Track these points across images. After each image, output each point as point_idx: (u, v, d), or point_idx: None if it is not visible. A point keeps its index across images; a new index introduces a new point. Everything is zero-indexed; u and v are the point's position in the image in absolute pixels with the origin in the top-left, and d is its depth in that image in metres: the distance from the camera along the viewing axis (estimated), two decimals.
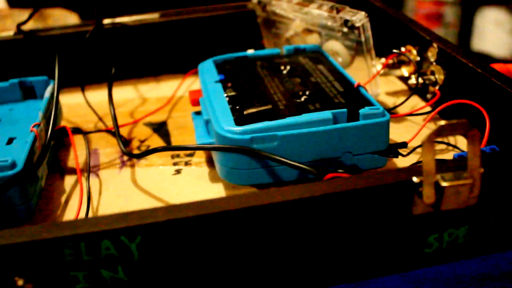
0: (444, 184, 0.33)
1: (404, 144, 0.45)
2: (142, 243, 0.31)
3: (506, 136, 0.45)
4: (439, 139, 0.49)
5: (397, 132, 0.52)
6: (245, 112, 0.44)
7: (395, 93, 0.61)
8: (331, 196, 0.33)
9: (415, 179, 0.33)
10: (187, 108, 0.58)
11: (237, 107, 0.45)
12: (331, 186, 0.33)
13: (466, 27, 1.85)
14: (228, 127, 0.42)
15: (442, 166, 0.34)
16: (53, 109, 0.48)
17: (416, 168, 0.34)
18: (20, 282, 0.32)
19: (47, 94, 0.51)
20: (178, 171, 0.48)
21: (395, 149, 0.45)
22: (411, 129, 0.52)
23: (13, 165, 0.40)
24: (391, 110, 0.53)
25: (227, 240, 0.33)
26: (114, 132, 0.49)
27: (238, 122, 0.42)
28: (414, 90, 0.53)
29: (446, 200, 0.34)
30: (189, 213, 0.31)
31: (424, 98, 0.57)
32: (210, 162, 0.49)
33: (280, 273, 0.35)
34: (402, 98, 0.58)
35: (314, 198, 0.32)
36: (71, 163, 0.50)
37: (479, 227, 0.37)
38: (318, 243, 0.35)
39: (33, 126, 0.45)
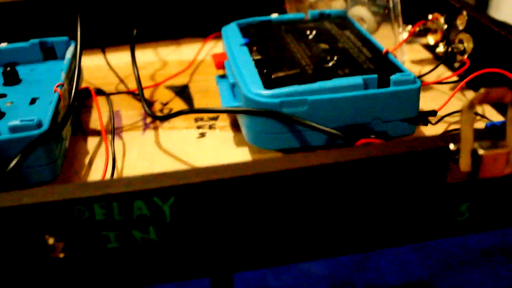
0: (481, 152, 0.32)
1: (433, 113, 0.45)
2: (175, 205, 0.31)
3: None
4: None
5: (424, 101, 0.51)
6: (273, 76, 0.43)
7: (420, 62, 0.60)
8: (367, 161, 0.32)
9: (452, 146, 0.33)
10: (209, 72, 0.58)
11: (265, 71, 0.44)
12: (366, 151, 0.32)
13: None
14: (257, 90, 0.41)
15: (479, 134, 0.34)
16: (76, 70, 0.47)
17: (453, 135, 0.34)
18: (51, 241, 0.32)
19: (68, 54, 0.51)
20: (202, 135, 0.47)
21: (425, 117, 0.44)
22: (438, 98, 0.51)
23: (39, 124, 0.39)
24: (418, 78, 0.52)
25: (260, 203, 0.32)
26: (138, 94, 0.49)
27: (266, 85, 0.42)
28: (444, 58, 0.52)
29: (483, 168, 0.33)
30: (223, 175, 0.31)
31: (451, 67, 0.56)
32: (234, 126, 0.48)
33: (310, 238, 0.35)
34: (427, 67, 0.57)
35: (350, 163, 0.32)
36: (93, 124, 0.49)
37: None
38: (352, 209, 0.34)
39: (57, 86, 0.45)
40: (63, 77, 0.46)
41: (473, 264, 1.34)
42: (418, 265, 1.31)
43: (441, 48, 0.55)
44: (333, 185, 0.33)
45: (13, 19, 0.61)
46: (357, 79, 0.41)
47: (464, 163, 0.33)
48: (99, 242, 0.32)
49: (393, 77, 0.42)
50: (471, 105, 0.32)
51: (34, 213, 0.30)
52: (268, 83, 0.42)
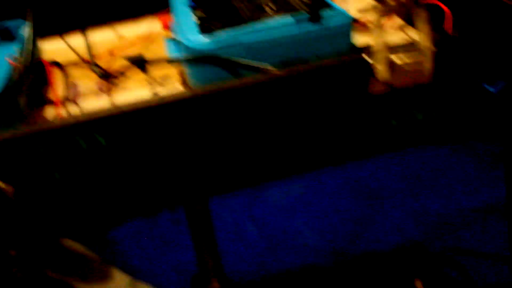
0: (396, 60, 0.34)
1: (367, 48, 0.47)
2: (109, 136, 0.33)
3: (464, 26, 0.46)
4: None
5: (363, 40, 0.53)
6: (212, 27, 0.45)
7: (366, 10, 0.61)
8: (290, 78, 0.34)
9: (367, 57, 0.35)
10: (163, 42, 0.60)
11: (205, 24, 0.46)
12: (287, 71, 0.35)
13: None
14: (195, 38, 0.43)
15: (394, 47, 0.36)
16: (30, 40, 0.49)
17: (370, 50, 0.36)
18: (1, 184, 0.34)
19: (23, 33, 0.53)
20: (155, 95, 0.50)
21: (359, 51, 0.46)
22: None
23: None
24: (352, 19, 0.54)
25: (190, 128, 0.34)
26: (89, 61, 0.51)
27: (205, 33, 0.44)
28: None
29: (399, 77, 0.35)
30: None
31: None
32: (185, 84, 0.50)
33: (238, 162, 0.37)
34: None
35: (276, 80, 0.34)
36: (52, 96, 0.52)
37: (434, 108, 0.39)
38: (290, 126, 0.36)
39: (11, 59, 0.47)
40: (17, 51, 0.49)
41: (465, 224, 1.36)
42: (411, 229, 1.33)
43: None
44: (270, 101, 0.35)
45: None
46: (289, 18, 0.43)
47: (381, 72, 0.35)
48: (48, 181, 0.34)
49: (324, 13, 0.44)
50: (379, 16, 0.34)
51: None
52: (207, 31, 0.44)
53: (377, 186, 1.46)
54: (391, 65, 0.34)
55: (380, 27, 0.33)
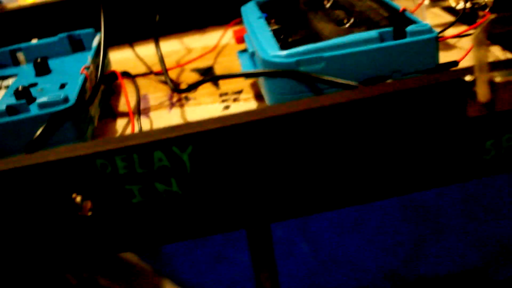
0: (498, 79, 0.32)
1: (454, 63, 0.44)
2: (193, 153, 0.32)
3: None
4: None
5: (446, 57, 0.50)
6: (289, 40, 0.44)
7: (443, 25, 0.59)
8: (381, 98, 0.32)
9: (467, 77, 0.33)
10: (233, 53, 0.58)
11: (282, 37, 0.45)
12: (381, 88, 0.32)
13: None
14: (273, 53, 0.42)
15: (495, 65, 0.33)
16: (101, 50, 0.48)
17: (468, 68, 0.33)
18: (78, 199, 0.33)
19: (95, 43, 0.53)
20: (226, 107, 0.48)
21: (445, 68, 0.44)
22: (460, 54, 0.51)
23: (65, 99, 0.41)
24: (438, 34, 0.52)
25: (276, 148, 0.33)
26: (162, 73, 0.50)
27: (283, 48, 0.42)
28: (461, 13, 0.52)
29: (502, 98, 0.32)
30: (237, 121, 0.31)
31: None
32: (258, 97, 0.49)
33: (332, 179, 0.35)
34: (452, 30, 0.56)
35: (364, 100, 0.32)
36: (122, 108, 0.51)
37: None
38: (374, 149, 0.34)
39: (84, 69, 0.46)
40: (90, 60, 0.48)
41: None
42: (473, 254, 1.28)
43: (461, 5, 0.54)
44: (354, 124, 0.33)
45: (45, 19, 0.63)
46: (372, 33, 0.41)
47: (482, 92, 0.32)
48: (124, 197, 0.33)
49: (408, 28, 0.41)
50: (482, 33, 0.31)
51: (59, 170, 0.31)
52: (285, 45, 0.43)
53: (436, 208, 1.42)
54: (493, 85, 0.31)
55: (481, 43, 0.30)
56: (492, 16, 0.31)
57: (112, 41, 0.63)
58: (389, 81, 0.38)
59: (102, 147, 0.31)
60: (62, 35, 0.55)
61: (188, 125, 0.32)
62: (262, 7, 0.53)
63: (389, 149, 0.34)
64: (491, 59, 0.33)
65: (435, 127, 0.34)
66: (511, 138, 0.35)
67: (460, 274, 1.22)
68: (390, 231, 1.34)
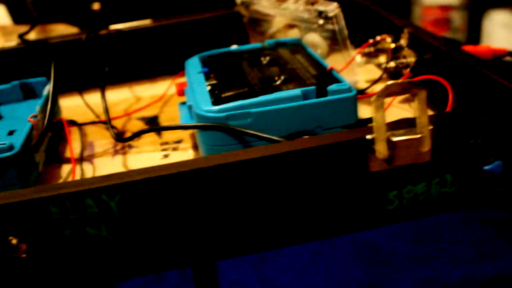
0: (395, 138, 0.36)
1: (371, 120, 0.49)
2: (121, 201, 0.35)
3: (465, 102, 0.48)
4: None
5: (369, 112, 0.55)
6: (222, 95, 0.48)
7: (374, 80, 0.64)
8: (291, 154, 0.36)
9: (368, 136, 0.37)
10: (177, 104, 0.62)
11: (216, 92, 0.49)
12: (291, 145, 0.36)
13: (474, 31, 1.86)
14: (206, 107, 0.45)
15: (393, 125, 0.38)
16: (49, 100, 0.52)
17: (369, 128, 0.37)
18: (14, 242, 0.35)
19: (45, 91, 0.56)
20: (166, 156, 0.52)
21: (364, 123, 0.48)
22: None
23: (10, 147, 0.44)
24: (364, 91, 0.56)
25: (199, 197, 0.36)
26: (106, 122, 0.53)
27: (215, 103, 0.46)
28: (384, 71, 0.57)
29: (399, 155, 0.37)
30: (162, 172, 0.35)
31: None
32: (196, 148, 0.52)
33: (245, 230, 0.38)
34: (380, 84, 0.61)
35: (275, 156, 0.36)
36: (68, 154, 0.54)
37: (436, 184, 0.40)
38: (279, 202, 0.38)
39: (31, 117, 0.49)
40: (38, 109, 0.51)
41: None
42: None
43: (390, 65, 0.59)
44: (262, 177, 0.36)
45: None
46: (296, 91, 0.46)
47: (379, 150, 0.37)
48: (58, 241, 0.36)
49: (329, 87, 0.46)
50: (379, 96, 0.36)
51: None
52: (217, 101, 0.46)
53: (389, 251, 1.45)
54: (390, 143, 0.36)
55: (379, 107, 0.35)
56: (389, 82, 0.35)
57: (64, 88, 0.66)
58: (305, 137, 0.42)
59: (36, 194, 0.34)
60: (15, 82, 0.58)
61: (116, 175, 0.35)
62: (204, 62, 0.57)
63: (305, 196, 0.38)
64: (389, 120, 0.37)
65: (342, 179, 0.38)
66: (411, 190, 0.40)
67: None
68: (344, 274, 1.36)
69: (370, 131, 0.37)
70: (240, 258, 1.41)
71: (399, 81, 0.36)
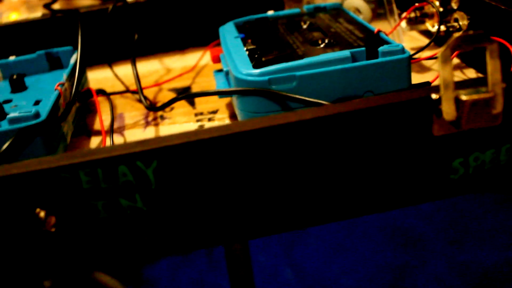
0: (464, 98, 0.32)
1: (427, 84, 0.45)
2: (158, 168, 0.31)
3: None
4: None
5: (421, 79, 0.51)
6: (263, 59, 0.44)
7: (420, 48, 0.59)
8: (346, 115, 0.32)
9: (433, 95, 0.33)
10: (210, 74, 0.59)
11: (256, 55, 0.45)
12: (345, 106, 0.32)
13: None
14: (246, 71, 0.42)
15: (461, 83, 0.33)
16: (77, 67, 0.48)
17: (435, 87, 0.33)
18: (42, 214, 0.32)
19: (72, 60, 0.53)
20: (201, 127, 0.48)
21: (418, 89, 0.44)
22: (434, 76, 0.51)
23: (36, 115, 0.41)
24: (412, 57, 0.52)
25: (243, 163, 0.32)
26: (137, 91, 0.50)
27: (256, 66, 0.42)
28: (435, 36, 0.52)
29: (468, 116, 0.33)
30: (204, 136, 0.31)
31: None
32: (233, 117, 0.49)
33: (296, 199, 0.35)
34: (428, 52, 0.56)
35: (329, 117, 0.32)
36: (97, 126, 0.51)
37: (506, 151, 0.36)
38: (335, 169, 0.34)
39: (58, 85, 0.46)
40: (65, 77, 0.48)
41: None
42: (454, 280, 1.28)
43: (436, 29, 0.55)
44: (314, 141, 0.33)
45: (25, 36, 0.63)
46: (345, 52, 0.42)
47: (447, 111, 0.32)
48: (88, 213, 0.32)
49: (380, 48, 0.42)
50: (447, 51, 0.32)
51: (23, 184, 0.31)
52: (258, 64, 0.43)
53: (418, 234, 1.41)
54: (459, 103, 0.32)
55: (447, 60, 0.31)
56: (458, 34, 0.31)
57: (92, 61, 0.63)
58: (366, 95, 0.39)
59: (66, 161, 0.31)
60: (40, 52, 0.55)
61: (153, 140, 0.32)
62: (239, 28, 0.54)
63: (357, 167, 0.34)
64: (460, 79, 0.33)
65: (401, 145, 0.34)
66: (478, 157, 0.36)
67: None
68: (373, 257, 1.33)
69: (435, 90, 0.33)
70: (269, 241, 1.39)
71: (469, 32, 0.32)
